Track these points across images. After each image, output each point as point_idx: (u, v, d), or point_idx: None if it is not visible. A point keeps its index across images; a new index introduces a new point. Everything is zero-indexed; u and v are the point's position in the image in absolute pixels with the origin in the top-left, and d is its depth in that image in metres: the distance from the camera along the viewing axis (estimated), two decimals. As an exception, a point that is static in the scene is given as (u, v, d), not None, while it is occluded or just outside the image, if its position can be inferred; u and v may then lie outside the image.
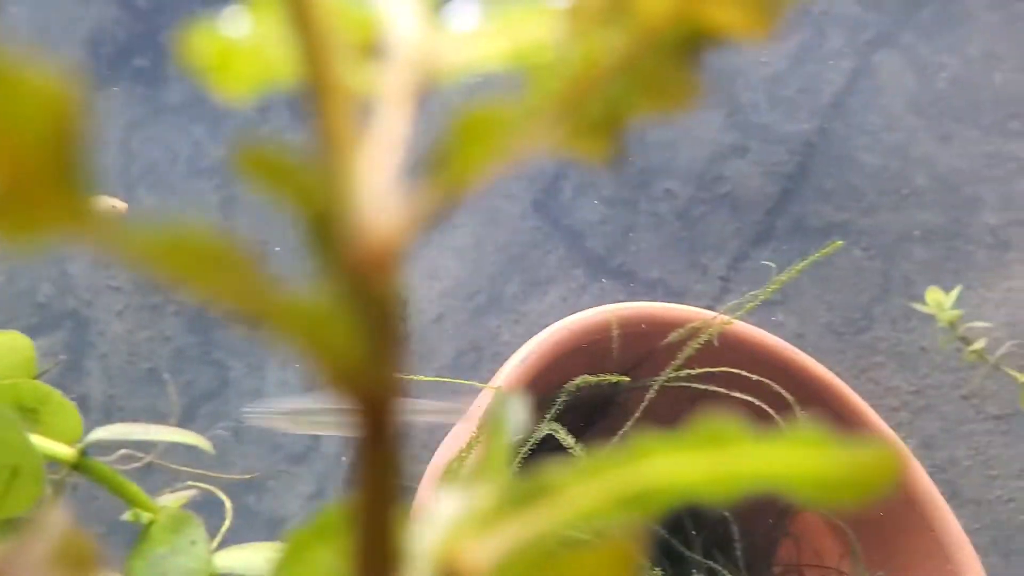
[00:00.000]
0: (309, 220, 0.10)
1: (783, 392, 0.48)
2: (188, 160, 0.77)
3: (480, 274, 0.75)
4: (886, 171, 0.72)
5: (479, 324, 0.73)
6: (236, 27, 0.11)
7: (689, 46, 0.12)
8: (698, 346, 0.48)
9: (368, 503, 0.10)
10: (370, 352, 0.10)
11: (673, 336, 0.49)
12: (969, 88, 0.73)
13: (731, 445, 0.13)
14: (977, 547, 0.63)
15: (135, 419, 0.69)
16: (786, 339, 0.59)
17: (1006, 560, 0.66)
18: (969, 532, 0.65)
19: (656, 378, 0.48)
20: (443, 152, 0.10)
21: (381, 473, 0.10)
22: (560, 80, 0.11)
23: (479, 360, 0.72)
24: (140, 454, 0.50)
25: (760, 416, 0.46)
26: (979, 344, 0.59)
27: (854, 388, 0.58)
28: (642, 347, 0.50)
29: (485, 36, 0.12)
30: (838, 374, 0.58)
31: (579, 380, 0.47)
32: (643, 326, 0.49)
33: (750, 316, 0.71)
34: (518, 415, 0.15)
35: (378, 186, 0.10)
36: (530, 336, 0.50)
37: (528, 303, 0.73)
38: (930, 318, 0.60)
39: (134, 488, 0.31)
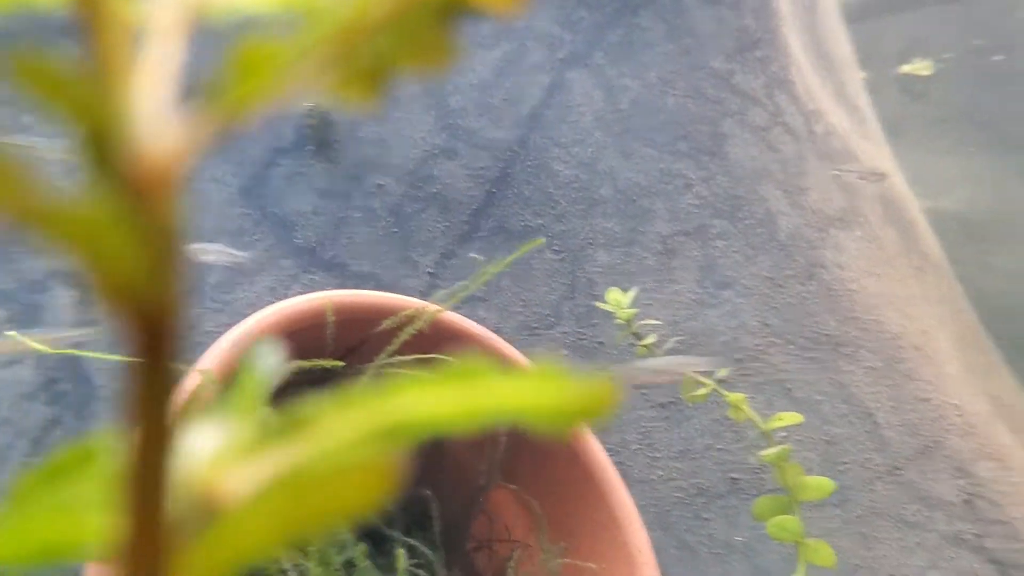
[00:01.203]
0: (86, 135, 0.09)
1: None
2: None
3: (180, 261, 0.71)
4: (576, 181, 0.79)
5: (178, 313, 0.69)
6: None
7: (448, 11, 0.13)
8: (411, 333, 0.49)
9: (143, 422, 0.10)
10: (149, 269, 0.10)
11: (386, 324, 0.50)
12: (647, 110, 0.82)
13: (478, 380, 0.14)
14: (643, 522, 0.71)
15: None
16: (487, 332, 0.62)
17: (666, 532, 0.76)
18: (636, 509, 0.73)
19: (369, 364, 0.49)
20: (220, 82, 0.11)
21: (157, 394, 0.10)
22: (332, 26, 0.12)
23: (177, 351, 0.68)
24: None
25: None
26: (649, 339, 0.67)
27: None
28: (356, 334, 0.51)
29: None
30: (532, 365, 0.62)
31: (292, 365, 0.47)
32: (357, 313, 0.50)
33: (458, 310, 0.75)
34: (272, 357, 0.15)
35: (154, 109, 0.10)
36: (234, 325, 0.49)
37: (233, 292, 0.70)
38: (609, 315, 0.67)
39: None
